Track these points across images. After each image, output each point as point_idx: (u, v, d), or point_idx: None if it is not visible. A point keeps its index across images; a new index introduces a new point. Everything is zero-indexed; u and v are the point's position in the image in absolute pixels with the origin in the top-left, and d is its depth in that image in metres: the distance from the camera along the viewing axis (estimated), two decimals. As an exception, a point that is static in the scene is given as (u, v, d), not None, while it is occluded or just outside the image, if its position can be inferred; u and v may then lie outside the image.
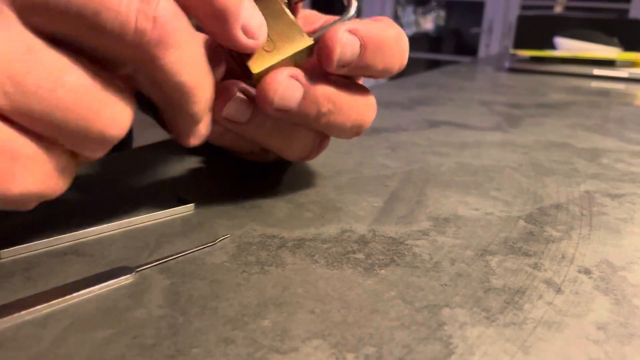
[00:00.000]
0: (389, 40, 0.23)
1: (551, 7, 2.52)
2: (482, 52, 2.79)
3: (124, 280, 0.19)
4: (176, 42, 0.17)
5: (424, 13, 3.19)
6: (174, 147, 0.36)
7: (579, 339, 0.17)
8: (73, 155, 0.18)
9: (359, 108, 0.24)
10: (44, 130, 0.16)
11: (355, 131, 0.25)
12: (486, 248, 0.23)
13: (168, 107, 0.19)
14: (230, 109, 0.23)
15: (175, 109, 0.19)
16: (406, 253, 0.22)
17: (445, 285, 0.19)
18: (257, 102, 0.22)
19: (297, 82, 0.22)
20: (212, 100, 0.20)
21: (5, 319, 0.16)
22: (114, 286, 0.18)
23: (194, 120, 0.20)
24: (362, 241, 0.23)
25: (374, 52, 0.22)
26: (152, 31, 0.16)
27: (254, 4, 0.20)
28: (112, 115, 0.17)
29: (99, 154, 0.18)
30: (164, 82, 0.18)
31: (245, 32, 0.19)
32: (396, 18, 3.14)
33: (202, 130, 0.21)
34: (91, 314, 0.17)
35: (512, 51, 1.05)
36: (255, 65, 0.21)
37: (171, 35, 0.17)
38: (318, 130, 0.25)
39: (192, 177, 0.30)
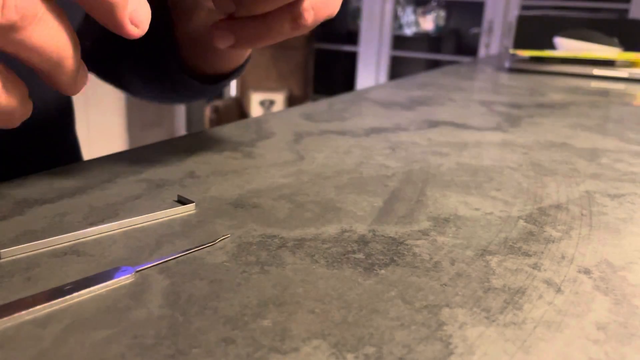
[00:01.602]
0: None
1: (551, 8, 2.52)
2: (482, 52, 2.79)
3: (124, 280, 0.19)
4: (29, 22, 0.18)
5: (424, 13, 3.19)
6: (174, 147, 0.36)
7: (579, 339, 0.17)
8: None
9: None
10: None
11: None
12: (486, 248, 0.23)
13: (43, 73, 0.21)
14: None
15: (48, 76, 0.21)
16: (406, 253, 0.22)
17: (445, 285, 0.19)
18: None
19: None
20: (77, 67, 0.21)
21: (5, 319, 0.16)
22: (114, 286, 0.18)
23: (68, 80, 0.21)
24: (362, 241, 0.23)
25: None
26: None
27: None
28: None
29: None
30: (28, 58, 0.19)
31: (132, 21, 0.20)
32: (396, 18, 3.14)
33: (80, 82, 0.22)
34: (91, 314, 0.17)
35: (512, 51, 1.05)
36: None
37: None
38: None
39: (192, 177, 0.30)
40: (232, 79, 0.41)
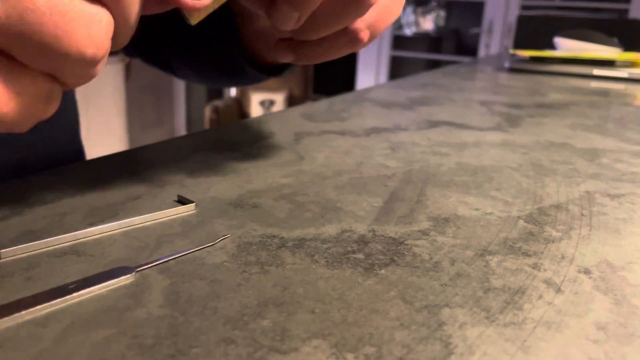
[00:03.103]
0: None
1: (551, 8, 2.52)
2: (482, 52, 2.79)
3: (124, 280, 0.19)
4: None
5: (424, 13, 3.19)
6: (174, 147, 0.36)
7: (578, 339, 0.17)
8: (56, 80, 0.18)
9: None
10: (23, 53, 0.16)
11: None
12: (486, 248, 0.23)
13: None
14: None
15: None
16: (406, 253, 0.22)
17: (445, 285, 0.19)
18: None
19: None
20: None
21: (5, 319, 0.16)
22: (114, 286, 0.18)
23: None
24: (362, 241, 0.23)
25: None
26: None
27: None
28: (87, 33, 0.16)
29: (81, 78, 0.18)
30: None
31: None
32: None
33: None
34: (91, 314, 0.17)
35: (512, 51, 1.05)
36: (194, 17, 0.21)
37: None
38: None
39: (192, 177, 0.30)
40: (293, 69, 0.41)
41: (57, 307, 0.17)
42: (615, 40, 1.03)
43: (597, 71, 0.87)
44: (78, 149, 0.45)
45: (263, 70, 0.40)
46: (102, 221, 0.24)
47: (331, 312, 0.17)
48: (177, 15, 0.21)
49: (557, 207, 0.28)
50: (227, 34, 0.38)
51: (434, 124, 0.46)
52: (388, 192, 0.29)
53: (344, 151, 0.36)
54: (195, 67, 0.43)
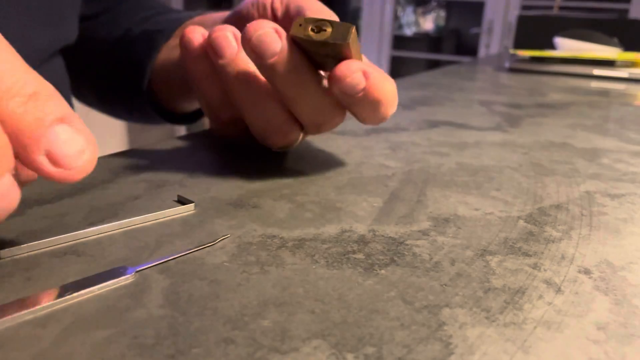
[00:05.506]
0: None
1: (551, 8, 2.52)
2: (482, 52, 2.79)
3: (124, 280, 0.19)
4: None
5: (424, 13, 3.19)
6: (174, 147, 0.36)
7: (579, 339, 0.17)
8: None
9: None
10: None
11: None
12: (486, 248, 0.23)
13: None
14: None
15: None
16: (406, 253, 0.22)
17: (445, 285, 0.19)
18: None
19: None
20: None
21: (5, 319, 0.16)
22: (114, 286, 0.18)
23: None
24: (362, 241, 0.23)
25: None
26: None
27: (71, 128, 0.17)
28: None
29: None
30: None
31: (51, 160, 0.17)
32: (396, 18, 3.14)
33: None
34: (91, 314, 0.17)
35: (512, 51, 1.05)
36: None
37: None
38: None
39: (192, 177, 0.30)
40: (196, 120, 0.44)
41: (57, 307, 0.17)
42: (615, 40, 1.03)
43: (597, 71, 0.87)
44: None
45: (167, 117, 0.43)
46: (102, 221, 0.24)
47: (331, 312, 0.17)
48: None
49: (557, 207, 0.28)
50: (138, 73, 0.39)
51: (434, 124, 0.46)
52: (388, 192, 0.29)
53: (344, 151, 0.36)
54: (101, 100, 0.45)
